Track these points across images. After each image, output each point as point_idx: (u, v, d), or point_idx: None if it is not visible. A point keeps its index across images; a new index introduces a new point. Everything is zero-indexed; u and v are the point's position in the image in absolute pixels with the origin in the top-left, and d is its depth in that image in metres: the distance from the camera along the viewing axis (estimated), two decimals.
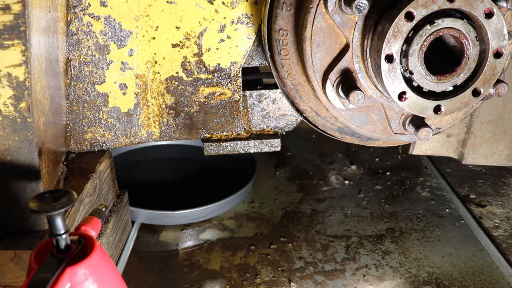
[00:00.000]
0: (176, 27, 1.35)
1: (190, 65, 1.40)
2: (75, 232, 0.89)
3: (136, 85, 1.40)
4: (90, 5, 1.30)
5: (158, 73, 1.40)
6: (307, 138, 2.48)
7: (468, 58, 1.14)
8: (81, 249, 0.84)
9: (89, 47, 1.34)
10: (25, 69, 1.00)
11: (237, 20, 1.36)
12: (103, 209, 1.02)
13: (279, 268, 1.57)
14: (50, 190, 0.83)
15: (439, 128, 1.37)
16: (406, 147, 1.67)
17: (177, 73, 1.41)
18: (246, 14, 1.36)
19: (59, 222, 0.79)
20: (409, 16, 1.06)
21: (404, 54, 1.10)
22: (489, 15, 1.09)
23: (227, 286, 1.50)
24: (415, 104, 1.15)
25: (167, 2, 1.33)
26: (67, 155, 1.42)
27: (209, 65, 1.41)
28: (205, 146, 1.46)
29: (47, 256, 0.81)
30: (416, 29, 1.08)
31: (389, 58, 1.10)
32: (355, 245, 1.69)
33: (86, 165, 1.39)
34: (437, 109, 1.17)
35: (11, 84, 1.01)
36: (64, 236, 0.81)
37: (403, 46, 1.10)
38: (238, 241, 1.71)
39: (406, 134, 1.32)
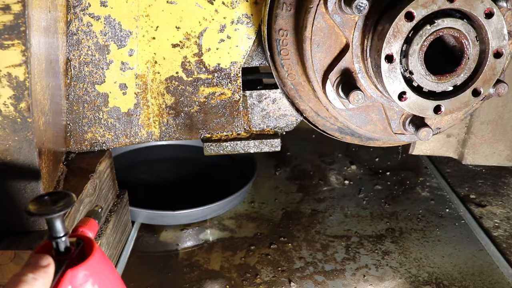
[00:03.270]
0: (176, 27, 1.35)
1: (190, 65, 1.40)
2: (73, 234, 0.89)
3: (136, 85, 1.40)
4: (90, 5, 1.30)
5: (158, 73, 1.40)
6: (307, 138, 2.48)
7: (468, 58, 1.14)
8: (80, 251, 0.84)
9: (89, 47, 1.34)
10: (25, 69, 1.00)
11: (237, 20, 1.36)
12: (99, 210, 1.02)
13: (279, 268, 1.57)
14: (49, 192, 0.82)
15: (439, 128, 1.37)
16: (406, 147, 1.67)
17: (177, 73, 1.41)
18: (246, 14, 1.36)
19: (58, 224, 0.79)
20: (409, 16, 1.06)
21: (404, 54, 1.10)
22: (489, 15, 1.09)
23: (227, 286, 1.50)
24: (415, 104, 1.15)
25: (167, 2, 1.33)
26: (67, 155, 1.42)
27: (209, 65, 1.41)
28: (205, 146, 1.46)
29: None
30: (416, 29, 1.08)
31: (389, 58, 1.10)
32: (355, 245, 1.69)
33: (86, 165, 1.39)
34: (437, 109, 1.17)
35: (11, 84, 1.01)
36: (63, 238, 0.80)
37: (403, 46, 1.10)
38: (238, 241, 1.71)
39: (406, 134, 1.32)
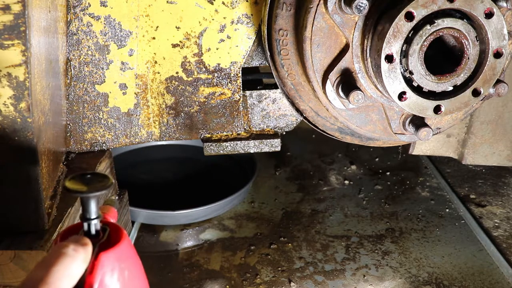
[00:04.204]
0: (176, 27, 1.35)
1: (190, 65, 1.40)
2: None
3: (136, 85, 1.40)
4: (90, 5, 1.30)
5: (158, 73, 1.40)
6: (307, 138, 2.48)
7: (468, 58, 1.14)
8: (107, 236, 0.81)
9: (89, 47, 1.34)
10: (25, 69, 1.00)
11: (237, 20, 1.36)
12: (115, 199, 0.99)
13: (279, 268, 1.57)
14: (87, 172, 0.80)
15: (439, 128, 1.37)
16: (406, 147, 1.67)
17: (177, 73, 1.41)
18: (246, 14, 1.36)
19: (93, 206, 0.77)
20: (409, 16, 1.06)
21: (404, 54, 1.10)
22: (489, 15, 1.09)
23: (227, 286, 1.50)
24: (415, 104, 1.15)
25: (167, 2, 1.33)
26: (67, 155, 1.42)
27: (209, 65, 1.41)
28: (205, 146, 1.46)
29: None
30: (416, 29, 1.08)
31: (389, 58, 1.10)
32: (355, 245, 1.69)
33: (86, 165, 1.39)
34: (437, 109, 1.17)
35: (11, 84, 1.01)
36: (96, 221, 0.78)
37: (403, 46, 1.10)
38: (238, 241, 1.71)
39: (406, 134, 1.32)
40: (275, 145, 1.48)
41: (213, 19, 1.35)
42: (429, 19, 1.07)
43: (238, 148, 1.48)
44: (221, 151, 1.47)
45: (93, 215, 0.78)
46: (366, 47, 1.15)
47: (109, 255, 0.77)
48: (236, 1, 1.34)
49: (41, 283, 0.63)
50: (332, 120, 1.37)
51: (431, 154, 1.67)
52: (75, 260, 0.69)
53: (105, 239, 0.80)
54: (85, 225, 0.78)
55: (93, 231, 0.78)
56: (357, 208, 1.90)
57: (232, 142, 1.47)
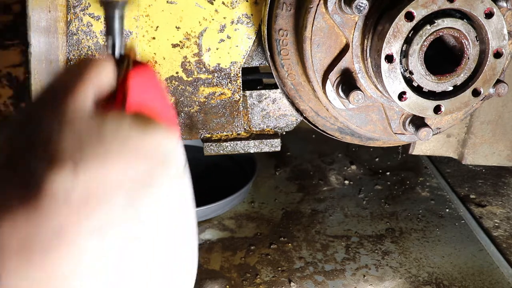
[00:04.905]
0: (176, 27, 1.35)
1: (190, 65, 1.40)
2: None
3: None
4: (90, 5, 1.30)
5: (158, 73, 1.40)
6: (307, 138, 2.48)
7: (468, 58, 1.13)
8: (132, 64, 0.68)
9: (89, 47, 1.34)
10: (25, 69, 1.00)
11: (237, 20, 1.36)
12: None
13: (279, 268, 1.57)
14: None
15: (439, 128, 1.37)
16: (406, 147, 1.67)
17: (177, 73, 1.41)
18: (246, 14, 1.36)
19: (117, 17, 0.68)
20: (409, 16, 1.06)
21: (404, 54, 1.10)
22: (489, 15, 1.09)
23: (227, 286, 1.50)
24: (415, 104, 1.15)
25: (167, 2, 1.33)
26: None
27: (209, 65, 1.41)
28: (205, 146, 1.46)
29: None
30: (416, 29, 1.08)
31: (389, 58, 1.10)
32: (355, 245, 1.69)
33: None
34: (437, 109, 1.17)
35: (11, 84, 1.01)
36: (120, 39, 0.67)
37: (403, 46, 1.10)
38: (238, 241, 1.71)
39: (406, 134, 1.32)
40: (275, 145, 1.48)
41: (213, 19, 1.35)
42: (429, 19, 1.07)
43: (238, 148, 1.48)
44: (221, 151, 1.47)
45: (117, 33, 0.68)
46: (366, 47, 1.15)
47: (140, 71, 0.65)
48: (236, 1, 1.34)
49: (65, 91, 0.51)
50: (332, 120, 1.37)
51: (431, 154, 1.67)
52: (105, 67, 0.57)
53: (130, 65, 0.66)
54: (109, 41, 0.67)
55: (117, 53, 0.67)
56: (357, 208, 1.90)
57: (232, 142, 1.47)
